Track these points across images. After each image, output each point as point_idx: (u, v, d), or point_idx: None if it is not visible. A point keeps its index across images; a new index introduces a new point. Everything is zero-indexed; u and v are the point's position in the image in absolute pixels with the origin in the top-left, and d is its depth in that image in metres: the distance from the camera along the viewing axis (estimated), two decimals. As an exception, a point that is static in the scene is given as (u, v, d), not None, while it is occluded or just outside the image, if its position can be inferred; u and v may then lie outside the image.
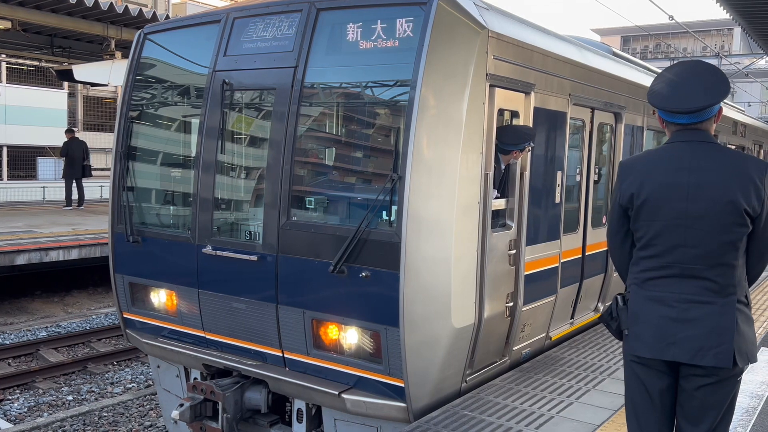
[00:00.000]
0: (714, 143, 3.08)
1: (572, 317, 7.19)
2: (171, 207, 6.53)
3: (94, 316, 13.42)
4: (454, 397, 5.25)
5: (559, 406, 5.16)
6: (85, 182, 18.47)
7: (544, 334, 6.55)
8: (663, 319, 3.03)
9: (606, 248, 7.69)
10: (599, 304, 7.83)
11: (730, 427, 3.32)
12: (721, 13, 14.03)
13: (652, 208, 3.06)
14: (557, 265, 6.50)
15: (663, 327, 3.03)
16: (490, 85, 5.14)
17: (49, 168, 24.72)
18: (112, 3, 13.92)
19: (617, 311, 3.22)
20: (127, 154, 6.44)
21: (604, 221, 7.65)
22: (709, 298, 2.99)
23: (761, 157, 16.24)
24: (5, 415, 8.53)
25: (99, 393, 9.47)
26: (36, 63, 17.83)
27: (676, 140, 3.12)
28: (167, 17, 15.43)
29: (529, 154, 5.78)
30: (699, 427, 3.07)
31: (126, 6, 14.30)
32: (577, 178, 7.06)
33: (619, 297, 3.24)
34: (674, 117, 3.10)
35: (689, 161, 3.03)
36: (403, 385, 4.90)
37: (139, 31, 6.52)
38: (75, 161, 17.54)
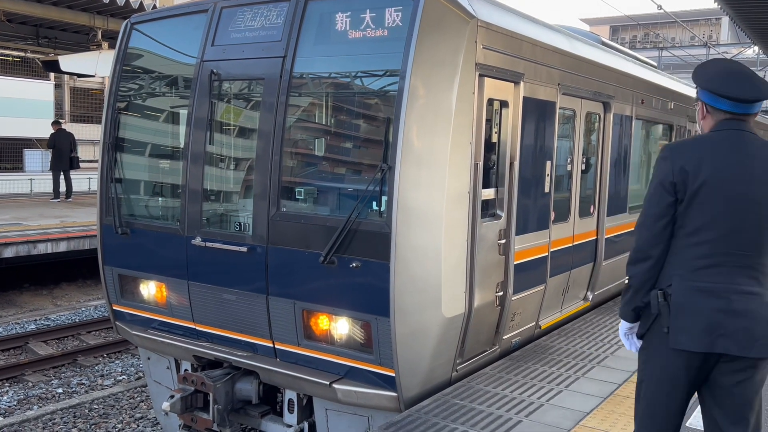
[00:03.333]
0: (759, 136, 3.06)
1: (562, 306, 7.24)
2: (160, 198, 6.50)
3: (83, 309, 13.36)
4: (445, 386, 5.28)
5: (548, 393, 5.19)
6: (73, 174, 18.34)
7: (534, 323, 6.59)
8: (713, 311, 2.95)
9: (593, 238, 7.78)
10: (588, 293, 7.88)
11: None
12: (709, 3, 14.06)
13: (710, 189, 2.96)
14: (547, 254, 6.53)
15: (713, 319, 2.94)
16: (480, 75, 5.13)
17: (37, 160, 24.44)
18: (98, -7, 13.81)
19: (659, 308, 3.05)
20: (114, 145, 6.41)
21: (591, 211, 7.68)
22: (758, 288, 2.95)
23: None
24: (-6, 409, 8.50)
25: (89, 385, 9.44)
26: (22, 54, 17.67)
27: (726, 128, 3.05)
28: (154, 7, 15.29)
29: (518, 144, 5.79)
30: (739, 425, 3.00)
31: (113, -4, 14.19)
32: (568, 168, 7.08)
33: (658, 293, 3.07)
34: (736, 106, 3.03)
35: (747, 147, 2.99)
36: (393, 374, 4.92)
37: (126, 21, 6.47)
38: (62, 153, 17.40)
